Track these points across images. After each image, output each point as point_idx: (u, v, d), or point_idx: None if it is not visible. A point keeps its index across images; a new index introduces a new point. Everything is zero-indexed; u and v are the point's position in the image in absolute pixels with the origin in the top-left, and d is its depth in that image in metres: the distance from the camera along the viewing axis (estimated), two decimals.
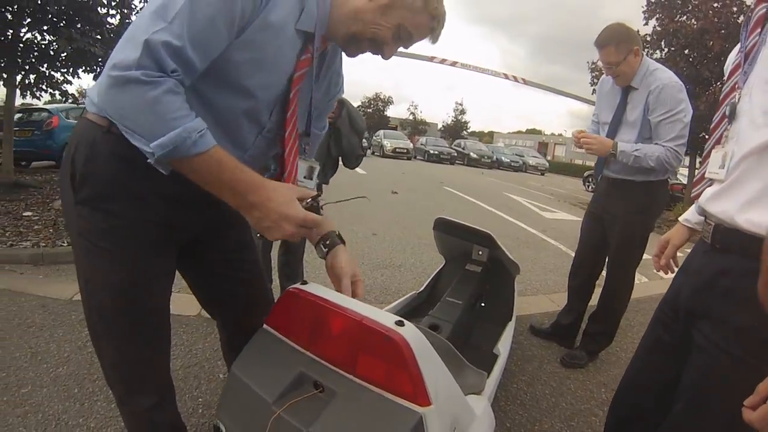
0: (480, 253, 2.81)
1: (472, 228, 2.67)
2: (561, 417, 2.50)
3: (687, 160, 13.31)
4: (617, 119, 2.66)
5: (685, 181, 14.40)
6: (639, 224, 2.73)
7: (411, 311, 2.74)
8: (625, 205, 2.70)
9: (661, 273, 1.60)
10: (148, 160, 0.93)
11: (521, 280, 4.68)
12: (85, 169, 1.08)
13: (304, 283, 1.28)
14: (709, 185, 1.18)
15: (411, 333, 1.07)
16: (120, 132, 0.98)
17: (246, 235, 1.49)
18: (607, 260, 2.93)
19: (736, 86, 1.15)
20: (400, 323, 1.07)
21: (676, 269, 1.47)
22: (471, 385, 1.69)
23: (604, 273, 3.05)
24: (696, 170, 12.63)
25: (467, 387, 1.65)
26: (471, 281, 2.62)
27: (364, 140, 3.23)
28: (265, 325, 1.34)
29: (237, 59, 1.04)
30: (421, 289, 2.93)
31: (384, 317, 1.10)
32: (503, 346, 2.30)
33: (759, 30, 1.08)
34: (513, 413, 2.46)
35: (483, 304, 2.81)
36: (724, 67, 1.30)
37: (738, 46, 1.19)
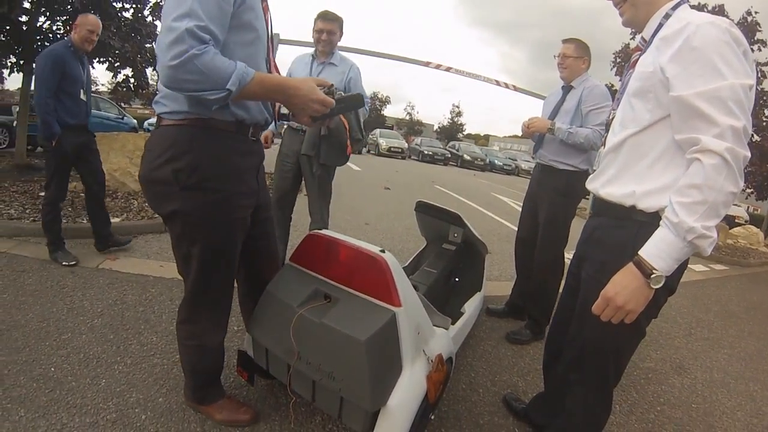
0: (455, 235, 3.28)
1: (445, 209, 3.19)
2: (518, 373, 2.94)
3: None
4: (556, 109, 3.22)
5: None
6: (561, 206, 3.22)
7: None
8: (552, 188, 3.22)
9: None
10: (219, 102, 1.39)
11: (498, 267, 5.20)
12: (191, 161, 1.54)
13: (320, 229, 1.88)
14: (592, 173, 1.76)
15: (389, 257, 1.63)
16: (209, 125, 1.53)
17: (268, 197, 1.98)
18: (537, 240, 3.35)
19: (613, 108, 1.70)
20: (382, 251, 1.64)
21: None
22: (437, 323, 2.15)
23: None
24: None
25: (433, 324, 2.11)
26: (446, 257, 3.09)
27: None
28: (289, 261, 1.93)
29: (245, 19, 1.51)
30: (405, 265, 3.37)
31: (372, 247, 1.66)
32: (469, 306, 2.77)
33: (631, 70, 1.55)
34: (477, 367, 2.90)
35: (457, 279, 3.26)
36: None
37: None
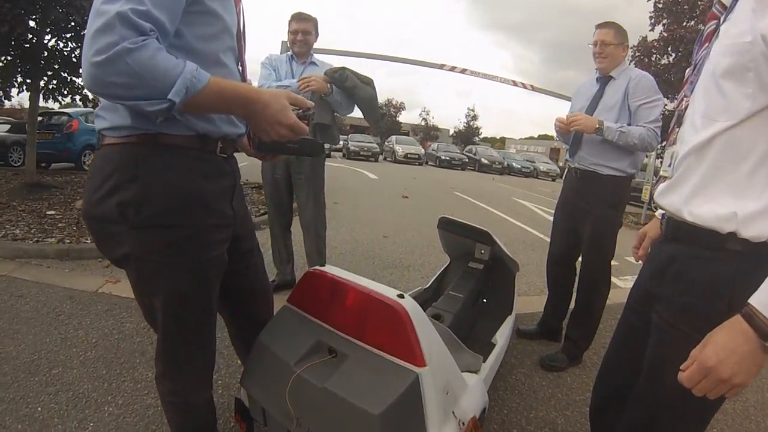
0: (482, 251, 2.97)
1: (472, 226, 2.84)
2: (556, 406, 2.61)
3: None
4: (594, 104, 2.83)
5: None
6: (610, 219, 2.86)
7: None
8: (597, 198, 2.83)
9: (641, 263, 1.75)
10: (160, 114, 1.06)
11: (525, 280, 4.84)
12: (139, 191, 1.20)
13: (322, 265, 1.55)
14: (662, 182, 1.32)
15: (410, 304, 1.30)
16: (161, 142, 1.20)
17: (250, 224, 1.68)
18: (581, 257, 3.03)
19: (685, 95, 1.30)
20: (401, 296, 1.31)
21: None
22: (467, 365, 1.85)
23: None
24: None
25: (463, 366, 1.82)
26: (473, 277, 2.77)
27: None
28: (286, 303, 1.61)
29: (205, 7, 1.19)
30: (428, 285, 3.08)
31: (388, 291, 1.34)
32: (501, 335, 2.45)
33: (707, 44, 1.21)
34: (510, 401, 2.58)
35: (485, 300, 2.96)
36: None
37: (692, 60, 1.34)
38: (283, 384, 1.35)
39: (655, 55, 12.05)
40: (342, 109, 3.39)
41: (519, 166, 30.16)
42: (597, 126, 2.65)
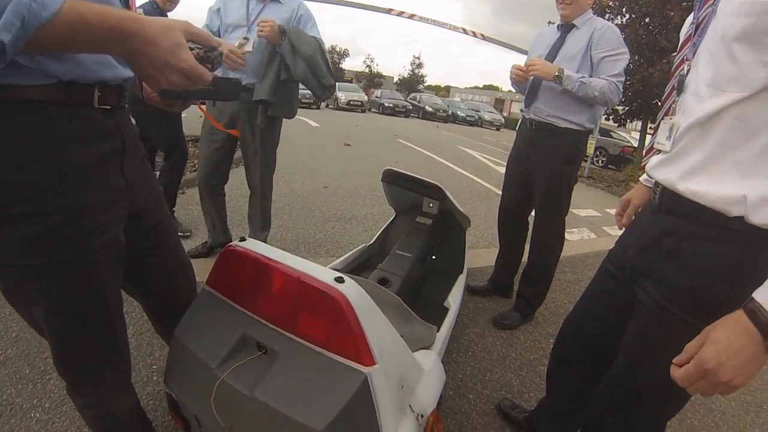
0: (431, 205, 2.71)
1: (422, 179, 2.55)
2: (511, 367, 2.52)
3: (639, 125, 13.81)
4: (554, 52, 2.60)
5: (635, 144, 14.96)
6: (566, 175, 2.68)
7: (361, 265, 2.63)
8: (552, 152, 2.64)
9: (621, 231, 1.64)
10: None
11: (474, 232, 4.67)
12: None
13: (243, 239, 1.21)
14: (657, 154, 1.21)
15: (351, 290, 1.00)
16: (7, 98, 0.82)
17: (156, 192, 1.30)
18: (534, 213, 2.88)
19: (686, 58, 1.16)
20: (339, 279, 1.01)
21: None
22: (420, 339, 1.62)
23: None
24: (648, 135, 13.17)
25: (416, 341, 1.59)
26: (421, 234, 2.52)
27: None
28: (205, 286, 1.27)
29: None
30: (371, 242, 2.82)
31: (323, 273, 1.03)
32: (453, 299, 2.24)
33: (713, 1, 1.05)
34: (464, 364, 2.46)
35: (434, 257, 2.74)
36: (680, 36, 1.28)
37: (691, 16, 1.18)
38: (207, 391, 1.07)
39: (608, 15, 12.02)
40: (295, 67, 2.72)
41: (463, 115, 30.00)
42: (556, 74, 2.41)
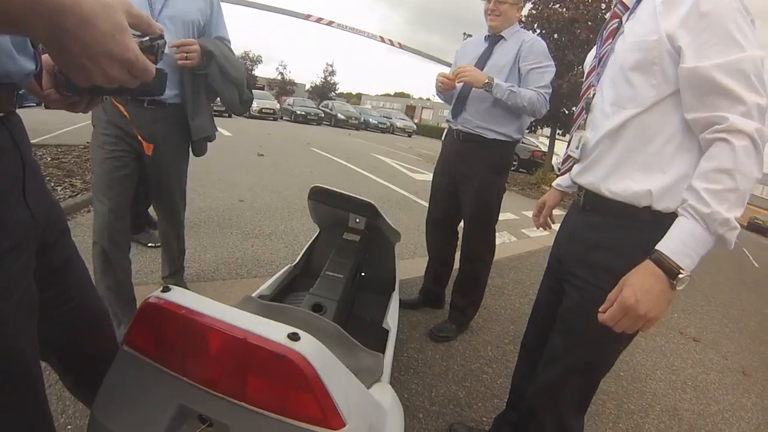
0: (357, 221, 2.62)
1: (352, 197, 2.44)
2: (455, 379, 2.51)
3: (548, 131, 14.70)
4: (482, 63, 2.60)
5: (545, 148, 15.90)
6: (495, 185, 2.71)
7: (288, 287, 2.49)
8: (480, 164, 2.65)
9: (540, 230, 1.94)
10: None
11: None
12: None
13: (166, 289, 0.96)
14: (575, 163, 1.47)
15: (310, 347, 0.85)
16: None
17: (60, 218, 1.06)
18: (463, 223, 2.88)
19: (592, 84, 1.43)
20: (293, 336, 0.84)
21: (551, 225, 1.87)
22: (368, 370, 1.51)
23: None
24: (556, 140, 14.43)
25: (365, 373, 1.48)
26: (350, 252, 2.41)
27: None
28: (124, 346, 1.00)
29: None
30: (296, 260, 2.67)
31: (273, 331, 0.86)
32: (392, 319, 2.15)
33: (610, 40, 1.36)
34: (408, 383, 2.41)
35: (363, 274, 2.65)
36: (584, 66, 1.58)
37: (593, 51, 1.49)
38: None
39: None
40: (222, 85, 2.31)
41: (376, 122, 30.22)
42: (486, 80, 2.41)
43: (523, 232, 6.27)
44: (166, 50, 0.79)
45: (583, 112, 1.46)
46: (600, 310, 1.16)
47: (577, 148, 1.44)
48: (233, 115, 20.70)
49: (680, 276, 1.06)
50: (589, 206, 1.40)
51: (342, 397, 0.87)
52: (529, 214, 2.24)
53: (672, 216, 1.15)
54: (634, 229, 1.26)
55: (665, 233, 1.12)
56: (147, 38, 0.73)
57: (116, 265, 2.22)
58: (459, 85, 2.58)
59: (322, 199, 2.52)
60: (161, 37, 0.76)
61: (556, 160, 15.20)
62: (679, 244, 1.08)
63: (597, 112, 1.37)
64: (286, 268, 2.53)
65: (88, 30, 0.60)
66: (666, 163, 1.20)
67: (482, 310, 3.27)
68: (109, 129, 2.13)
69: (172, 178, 2.44)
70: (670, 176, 1.19)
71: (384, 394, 1.35)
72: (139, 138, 2.16)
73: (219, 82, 2.26)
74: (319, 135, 18.35)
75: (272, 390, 0.87)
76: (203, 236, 4.06)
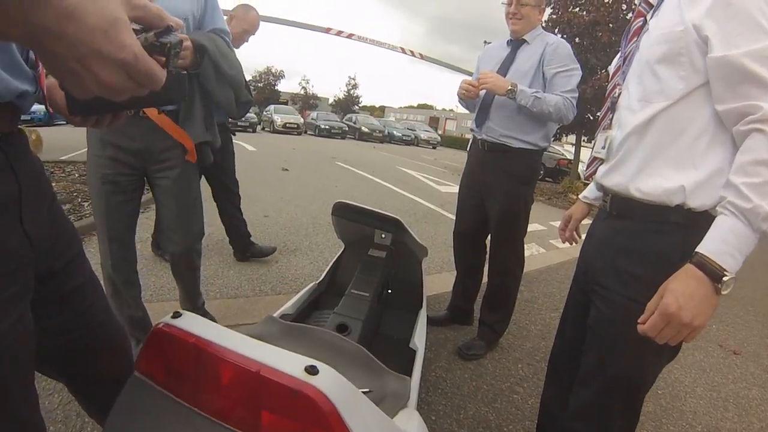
0: (383, 236, 2.56)
1: (378, 212, 2.38)
2: (484, 400, 2.41)
3: (573, 138, 14.44)
4: (505, 69, 2.53)
5: (570, 156, 15.60)
6: (522, 196, 2.62)
7: (312, 305, 2.43)
8: (507, 174, 2.57)
9: (566, 244, 1.86)
10: None
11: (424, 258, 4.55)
12: None
13: (176, 315, 0.91)
14: (601, 164, 1.42)
15: (329, 381, 0.78)
16: None
17: (76, 243, 1.03)
18: (491, 237, 2.79)
19: (617, 84, 1.41)
20: (311, 370, 0.78)
21: (578, 239, 1.79)
22: (395, 395, 1.45)
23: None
24: (582, 148, 13.99)
25: (391, 398, 1.41)
26: (376, 269, 2.35)
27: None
28: (135, 372, 0.95)
29: None
30: (321, 278, 2.62)
31: (289, 363, 0.79)
32: (419, 339, 2.07)
33: (635, 39, 1.35)
34: (436, 404, 2.32)
35: (389, 291, 2.58)
36: (609, 68, 1.55)
37: (619, 53, 1.45)
38: None
39: None
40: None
41: (400, 135, 30.29)
42: (509, 87, 2.32)
43: (551, 243, 6.12)
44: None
45: (609, 112, 1.43)
46: (639, 320, 1.09)
47: (603, 148, 1.40)
48: (256, 129, 20.96)
49: (724, 278, 0.99)
50: (616, 211, 1.35)
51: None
52: (557, 224, 2.20)
53: (705, 216, 1.11)
54: (665, 233, 1.20)
55: (698, 236, 1.06)
56: (152, 33, 0.58)
57: (122, 291, 2.16)
58: (482, 93, 2.50)
59: (346, 215, 2.47)
60: (169, 30, 0.59)
61: (582, 168, 14.96)
62: (720, 244, 1.01)
63: (623, 110, 1.34)
64: (311, 285, 2.48)
65: (72, 26, 0.48)
66: (698, 157, 1.15)
67: (512, 326, 3.16)
68: (103, 150, 1.96)
69: (182, 204, 2.18)
70: (703, 171, 1.14)
71: (410, 420, 1.28)
72: (187, 148, 2.02)
73: (212, 80, 2.05)
74: (344, 149, 18.45)
75: (288, 427, 0.80)
76: (227, 252, 4.04)
